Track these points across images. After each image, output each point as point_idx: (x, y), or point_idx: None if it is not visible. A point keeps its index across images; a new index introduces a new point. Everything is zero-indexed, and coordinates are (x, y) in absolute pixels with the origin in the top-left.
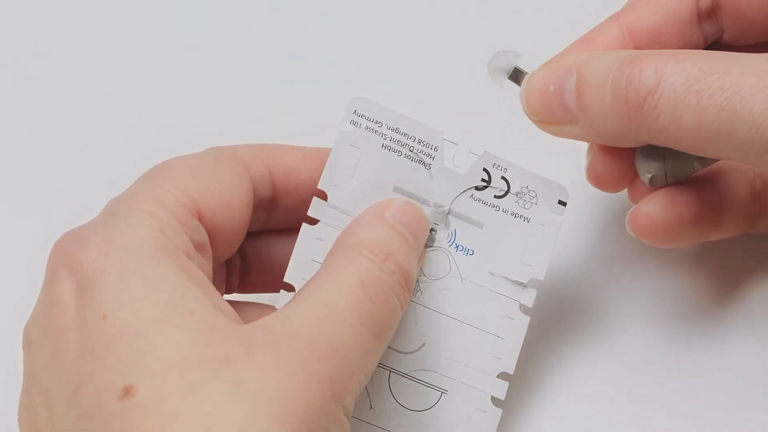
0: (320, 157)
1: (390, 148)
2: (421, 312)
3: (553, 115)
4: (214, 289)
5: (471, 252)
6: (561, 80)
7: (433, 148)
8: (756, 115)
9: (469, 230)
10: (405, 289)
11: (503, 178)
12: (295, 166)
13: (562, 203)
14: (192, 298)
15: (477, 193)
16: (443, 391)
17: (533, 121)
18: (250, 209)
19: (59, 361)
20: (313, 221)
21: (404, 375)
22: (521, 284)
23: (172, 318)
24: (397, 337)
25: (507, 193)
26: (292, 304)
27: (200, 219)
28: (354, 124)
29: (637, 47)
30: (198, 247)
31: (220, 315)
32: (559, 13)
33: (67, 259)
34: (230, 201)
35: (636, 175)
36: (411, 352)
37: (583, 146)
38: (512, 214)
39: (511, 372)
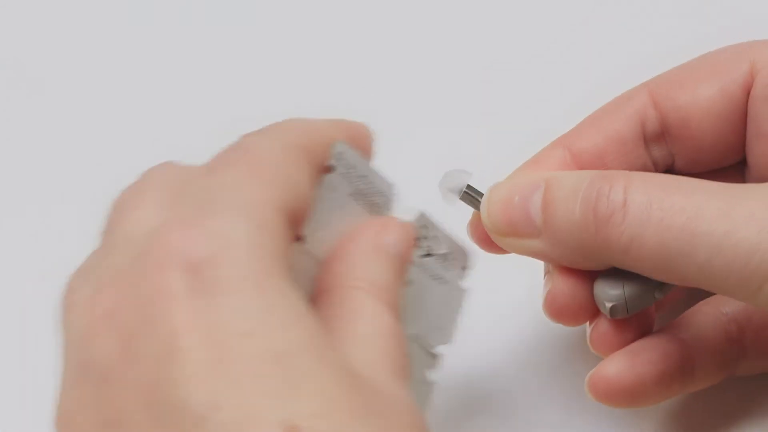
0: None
1: (355, 197)
2: None
3: (515, 227)
4: None
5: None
6: (527, 192)
7: (386, 202)
8: (717, 238)
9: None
10: None
11: (432, 237)
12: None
13: (464, 269)
14: (326, 330)
15: None
16: None
17: (492, 233)
18: None
19: (181, 367)
20: None
21: None
22: (431, 348)
23: (323, 351)
24: None
25: (432, 254)
26: (357, 348)
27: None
28: (334, 167)
29: (581, 169)
30: None
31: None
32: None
33: (188, 251)
34: (307, 202)
35: (597, 312)
36: None
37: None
38: (432, 275)
39: None
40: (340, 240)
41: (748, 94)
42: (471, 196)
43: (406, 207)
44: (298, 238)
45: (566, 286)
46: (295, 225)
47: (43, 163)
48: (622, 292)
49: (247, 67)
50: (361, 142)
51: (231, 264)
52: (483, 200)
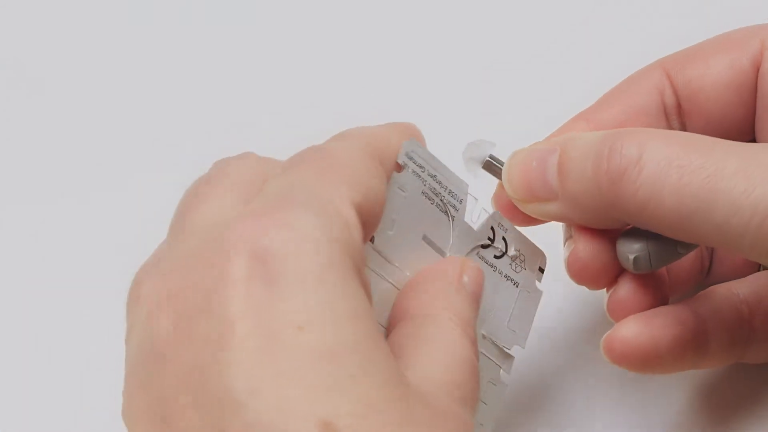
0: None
1: (427, 195)
2: None
3: (533, 191)
4: None
5: None
6: (544, 156)
7: (458, 200)
8: (735, 195)
9: None
10: None
11: (504, 238)
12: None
13: (542, 270)
14: (381, 334)
15: (482, 251)
16: None
17: (513, 200)
18: None
19: (228, 352)
20: None
21: None
22: (505, 350)
23: (374, 354)
24: None
25: (504, 254)
26: (420, 366)
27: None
28: (404, 165)
29: None
30: None
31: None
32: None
33: (258, 240)
34: (381, 209)
35: (617, 275)
36: None
37: None
38: (505, 276)
39: None
40: (421, 271)
41: (758, 70)
42: (493, 165)
43: (478, 207)
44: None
45: (588, 245)
46: (368, 227)
47: (43, 163)
48: (645, 245)
49: (247, 67)
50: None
51: (297, 256)
52: (504, 167)
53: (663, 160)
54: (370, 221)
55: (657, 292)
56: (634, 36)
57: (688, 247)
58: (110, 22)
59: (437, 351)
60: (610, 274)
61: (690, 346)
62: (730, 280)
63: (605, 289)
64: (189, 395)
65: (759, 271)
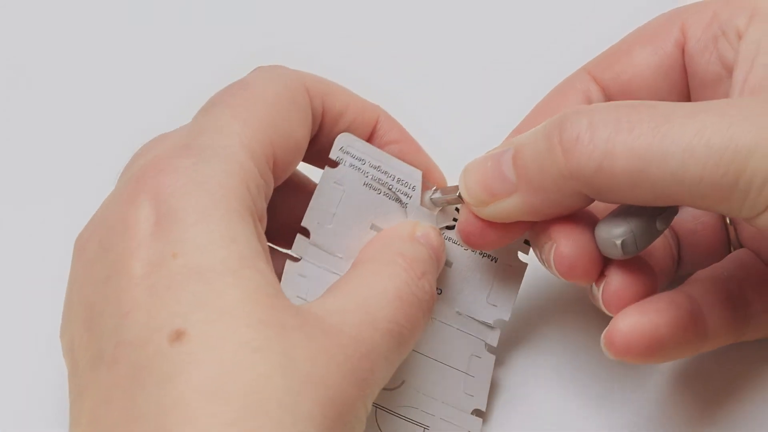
0: (368, 109)
1: (371, 186)
2: None
3: (491, 189)
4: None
5: (439, 291)
6: (498, 155)
7: (411, 187)
8: (688, 139)
9: None
10: (429, 312)
11: None
12: (345, 111)
13: (527, 243)
14: (262, 260)
15: (448, 233)
16: (425, 427)
17: (474, 207)
18: (305, 149)
19: (114, 284)
20: (295, 259)
21: (390, 411)
22: (487, 324)
23: (244, 272)
24: None
25: None
26: (335, 298)
27: (272, 167)
28: (339, 160)
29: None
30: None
31: (279, 287)
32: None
33: (154, 187)
34: (298, 146)
35: (602, 266)
36: (393, 389)
37: None
38: (480, 253)
39: (483, 408)
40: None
41: (683, 52)
42: (440, 199)
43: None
44: (303, 232)
45: (569, 241)
46: (282, 168)
47: (43, 163)
48: (627, 227)
49: (247, 67)
50: (429, 177)
51: (183, 198)
52: (460, 178)
53: (612, 120)
54: (283, 163)
55: (648, 277)
56: None
57: (666, 221)
58: (110, 22)
59: (356, 287)
60: (598, 266)
61: (690, 328)
62: (702, 267)
63: (592, 285)
64: (85, 328)
65: (731, 252)
